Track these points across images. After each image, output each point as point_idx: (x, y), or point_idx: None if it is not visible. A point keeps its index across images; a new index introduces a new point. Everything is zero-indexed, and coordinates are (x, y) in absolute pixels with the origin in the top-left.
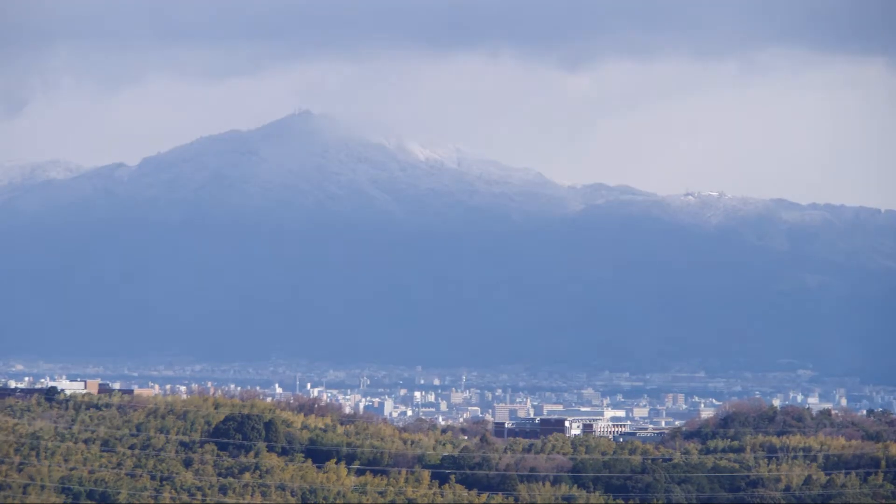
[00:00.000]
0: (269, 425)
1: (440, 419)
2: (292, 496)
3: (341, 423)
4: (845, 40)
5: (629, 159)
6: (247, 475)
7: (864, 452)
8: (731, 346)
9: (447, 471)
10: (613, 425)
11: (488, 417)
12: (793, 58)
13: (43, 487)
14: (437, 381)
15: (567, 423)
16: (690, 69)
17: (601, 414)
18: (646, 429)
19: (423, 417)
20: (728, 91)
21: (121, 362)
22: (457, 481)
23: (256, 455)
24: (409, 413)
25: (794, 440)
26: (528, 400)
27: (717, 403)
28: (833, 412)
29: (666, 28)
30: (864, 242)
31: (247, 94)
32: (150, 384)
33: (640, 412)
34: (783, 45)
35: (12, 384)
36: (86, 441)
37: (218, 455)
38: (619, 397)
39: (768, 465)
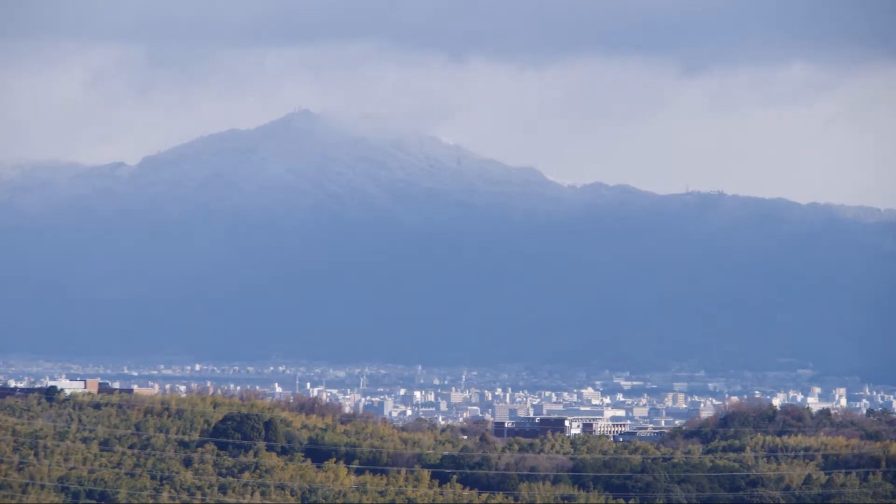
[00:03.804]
0: (268, 425)
1: (440, 419)
2: (292, 496)
3: (341, 423)
4: (847, 40)
5: (629, 158)
6: (246, 474)
7: (863, 452)
8: (731, 346)
9: (447, 470)
10: (613, 425)
11: (488, 417)
12: (793, 59)
13: (42, 487)
14: (436, 381)
15: (567, 423)
16: (690, 70)
17: (601, 413)
18: (646, 428)
19: (423, 417)
20: (728, 91)
21: (121, 362)
22: (457, 481)
23: (256, 454)
24: (409, 412)
25: (794, 440)
26: (528, 399)
27: (717, 403)
28: (833, 412)
29: (666, 30)
30: (864, 242)
31: (247, 93)
32: (150, 384)
33: (640, 412)
34: (784, 46)
35: (12, 383)
36: (85, 440)
37: (217, 454)
38: (619, 397)
39: (768, 464)
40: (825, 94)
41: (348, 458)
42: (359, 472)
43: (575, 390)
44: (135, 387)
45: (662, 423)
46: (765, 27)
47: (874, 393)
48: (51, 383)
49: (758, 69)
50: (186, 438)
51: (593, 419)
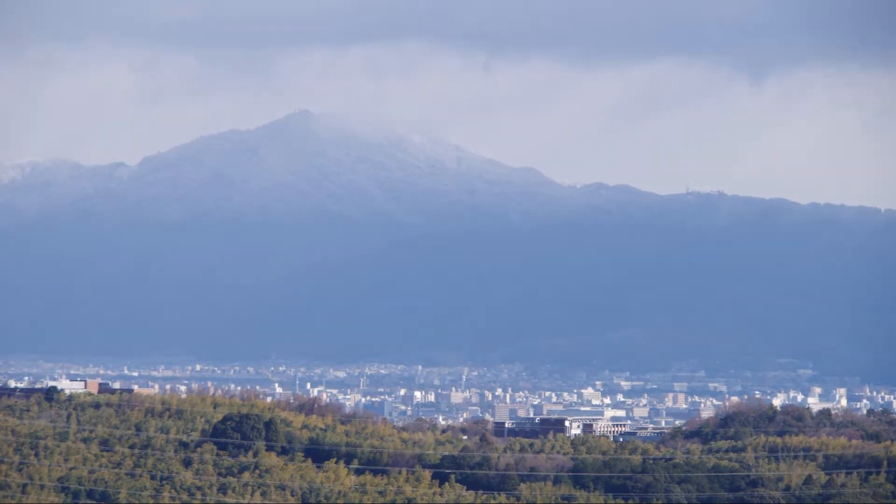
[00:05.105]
0: (268, 425)
1: (440, 419)
2: (292, 496)
3: (341, 423)
4: (847, 42)
5: (629, 159)
6: (246, 475)
7: (864, 452)
8: (731, 346)
9: (447, 470)
10: (613, 425)
11: (488, 417)
12: (794, 58)
13: (42, 487)
14: (437, 381)
15: (567, 423)
16: (692, 71)
17: (601, 413)
18: (646, 428)
19: (423, 417)
20: (729, 92)
21: (121, 362)
22: (457, 481)
23: (256, 454)
24: (409, 412)
25: (795, 440)
26: (528, 399)
27: (717, 403)
28: (833, 412)
29: (667, 31)
30: (864, 242)
31: (246, 93)
32: (151, 384)
33: (641, 412)
34: (785, 46)
35: (12, 384)
36: (85, 440)
37: (217, 454)
38: (619, 397)
39: (768, 464)
40: (826, 96)
41: (348, 458)
42: (359, 472)
43: (575, 390)
44: (135, 387)
45: (662, 423)
46: (766, 29)
47: (874, 393)
48: (51, 383)
49: (759, 71)
50: (186, 438)
51: (593, 419)
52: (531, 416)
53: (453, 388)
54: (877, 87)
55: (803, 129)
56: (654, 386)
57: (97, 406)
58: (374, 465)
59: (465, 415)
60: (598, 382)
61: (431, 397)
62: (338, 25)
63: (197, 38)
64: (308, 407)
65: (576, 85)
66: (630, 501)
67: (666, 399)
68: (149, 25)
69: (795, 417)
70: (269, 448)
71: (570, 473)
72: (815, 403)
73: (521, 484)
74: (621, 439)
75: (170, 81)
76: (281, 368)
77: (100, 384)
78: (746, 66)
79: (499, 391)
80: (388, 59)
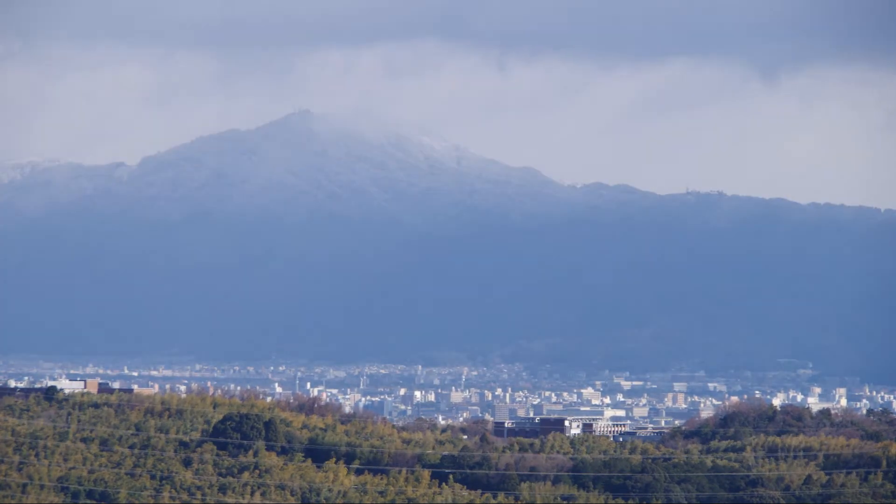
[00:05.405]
0: (268, 425)
1: (440, 418)
2: (292, 496)
3: (341, 423)
4: (856, 43)
5: (629, 158)
6: (246, 474)
7: (863, 452)
8: (731, 346)
9: (447, 470)
10: (613, 425)
11: (488, 417)
12: (794, 58)
13: (42, 487)
14: (436, 381)
15: (567, 423)
16: (693, 71)
17: (601, 413)
18: (646, 428)
19: (423, 417)
20: (728, 91)
21: (121, 362)
22: (456, 480)
23: (256, 454)
24: (409, 412)
25: (794, 440)
26: (528, 399)
27: (717, 403)
28: (833, 412)
29: (669, 30)
30: (864, 242)
31: (246, 93)
32: (151, 384)
33: (640, 412)
34: (785, 45)
35: (12, 383)
36: (85, 440)
37: (217, 454)
38: (619, 397)
39: (768, 464)
40: (831, 97)
41: (348, 458)
42: (359, 472)
43: (575, 390)
44: (135, 387)
45: (662, 423)
46: (776, 30)
47: (874, 393)
48: (51, 383)
49: (769, 72)
50: (186, 438)
51: (593, 419)
52: (531, 416)
53: (453, 388)
54: (882, 88)
55: (804, 130)
56: (654, 386)
57: (97, 406)
58: (374, 464)
59: (465, 415)
60: (597, 382)
61: (431, 397)
62: (350, 26)
63: (207, 39)
64: (308, 407)
65: (589, 85)
66: (630, 501)
67: (666, 399)
68: (162, 25)
69: (795, 417)
70: (269, 448)
71: (570, 473)
72: (814, 403)
73: (521, 484)
74: (621, 439)
75: (176, 82)
76: (281, 368)
77: (99, 384)
78: (757, 67)
79: (499, 391)
80: (400, 59)
